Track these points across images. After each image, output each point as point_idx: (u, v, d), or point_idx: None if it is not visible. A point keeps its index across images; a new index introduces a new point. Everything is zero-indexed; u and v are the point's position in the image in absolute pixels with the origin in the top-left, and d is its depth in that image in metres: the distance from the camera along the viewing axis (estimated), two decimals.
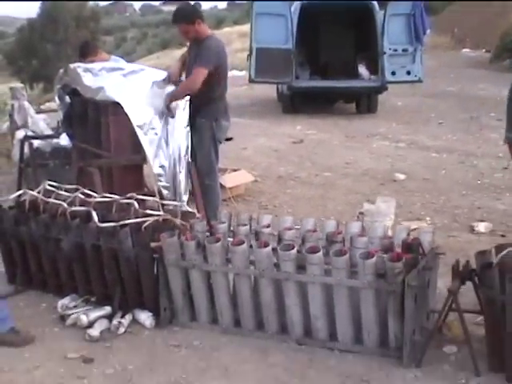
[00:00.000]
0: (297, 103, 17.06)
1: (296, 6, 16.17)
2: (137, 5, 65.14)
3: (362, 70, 16.97)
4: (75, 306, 5.57)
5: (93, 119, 7.28)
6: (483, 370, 4.57)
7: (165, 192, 6.95)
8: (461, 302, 4.67)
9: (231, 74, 28.39)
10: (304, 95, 17.02)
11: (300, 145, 13.06)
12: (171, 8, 63.30)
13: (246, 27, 45.67)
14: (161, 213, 5.56)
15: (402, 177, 10.12)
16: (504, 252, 4.44)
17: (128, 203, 5.79)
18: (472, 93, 20.44)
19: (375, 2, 16.32)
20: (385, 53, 15.81)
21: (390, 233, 5.69)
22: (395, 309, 4.63)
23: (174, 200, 6.70)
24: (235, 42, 40.34)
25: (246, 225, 5.53)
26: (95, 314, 5.39)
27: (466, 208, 8.47)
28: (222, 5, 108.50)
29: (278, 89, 18.39)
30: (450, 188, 9.48)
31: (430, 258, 4.91)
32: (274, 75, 15.98)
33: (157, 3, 68.00)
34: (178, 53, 15.12)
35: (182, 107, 7.11)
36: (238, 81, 20.74)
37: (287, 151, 12.42)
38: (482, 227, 7.44)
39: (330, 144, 13.10)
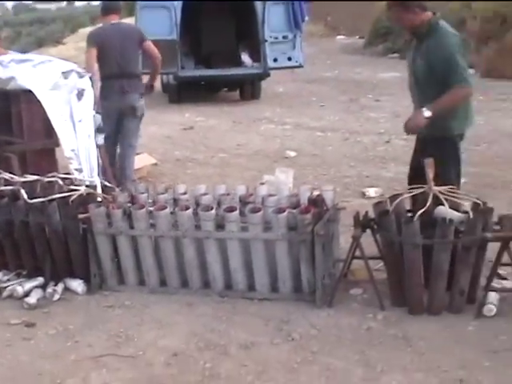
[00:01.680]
0: (183, 93, 17.52)
1: None
2: (9, 4, 63.93)
3: (245, 57, 17.55)
4: (8, 280, 5.96)
5: (3, 109, 7.61)
6: (387, 306, 5.27)
7: (77, 174, 7.34)
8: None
9: None
10: (190, 84, 17.50)
11: (191, 131, 13.57)
12: (45, 6, 62.46)
13: (128, 21, 45.76)
14: (84, 187, 6.01)
15: (292, 154, 10.78)
16: (398, 200, 5.13)
17: (51, 181, 6.19)
18: (349, 77, 21.42)
19: None
20: (266, 40, 16.45)
21: None
22: (306, 257, 5.26)
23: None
24: None
25: (164, 193, 6.05)
26: (29, 284, 5.81)
27: (356, 177, 9.21)
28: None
29: (162, 80, 18.74)
30: (339, 161, 10.21)
31: (333, 212, 5.56)
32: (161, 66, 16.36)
33: (29, 2, 66.83)
34: (54, 50, 15.36)
35: (88, 92, 7.53)
36: None
37: (180, 137, 12.92)
38: (372, 192, 8.16)
39: (220, 129, 13.66)
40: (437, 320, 5.10)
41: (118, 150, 8.62)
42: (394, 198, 5.26)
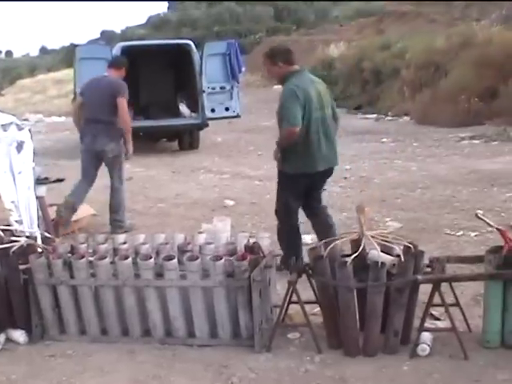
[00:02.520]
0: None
1: (116, 48, 16.83)
2: None
3: (183, 108, 17.79)
4: None
5: None
6: (324, 348, 5.41)
7: (17, 225, 7.39)
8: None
9: (51, 119, 28.69)
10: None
11: (130, 181, 13.61)
12: None
13: (60, 74, 45.82)
14: (25, 238, 6.08)
15: (231, 203, 10.94)
16: (331, 245, 5.31)
17: None
18: None
19: (191, 43, 17.20)
20: (204, 91, 16.71)
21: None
22: (244, 303, 5.39)
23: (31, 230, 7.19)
24: (50, 88, 40.36)
25: (103, 243, 6.14)
26: None
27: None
28: (34, 52, 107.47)
29: None
30: None
31: (269, 259, 5.71)
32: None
33: None
34: None
35: (28, 145, 7.61)
36: (59, 126, 21.10)
37: None
38: (308, 239, 8.30)
39: (159, 179, 13.77)
40: (372, 361, 5.26)
41: None
42: (328, 243, 5.43)
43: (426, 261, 5.51)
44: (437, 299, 5.33)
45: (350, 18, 57.17)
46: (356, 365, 5.21)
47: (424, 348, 5.27)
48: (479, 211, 6.24)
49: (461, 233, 8.51)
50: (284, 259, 6.82)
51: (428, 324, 5.55)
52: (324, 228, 7.23)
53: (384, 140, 18.01)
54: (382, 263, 5.16)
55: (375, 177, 12.64)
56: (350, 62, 30.09)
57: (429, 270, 5.44)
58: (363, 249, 5.37)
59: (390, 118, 23.41)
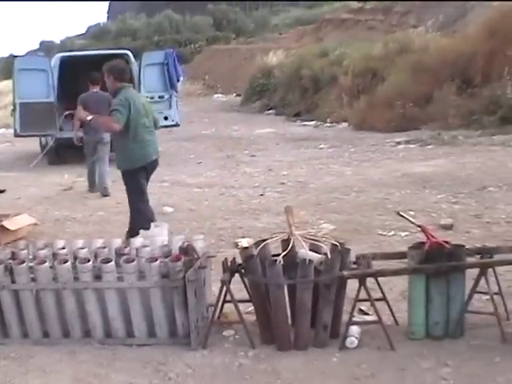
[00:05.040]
0: (62, 154, 17.66)
1: (56, 59, 16.95)
2: None
3: None
4: None
5: None
6: (258, 344, 5.66)
7: None
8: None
9: None
10: (68, 146, 17.66)
11: (70, 191, 13.79)
12: None
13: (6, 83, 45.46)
14: None
15: (170, 210, 11.14)
16: (262, 245, 5.57)
17: None
18: (227, 134, 22.08)
19: (129, 53, 17.36)
20: None
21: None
22: (180, 302, 5.61)
23: None
24: None
25: (43, 249, 6.32)
26: None
27: (230, 229, 9.63)
28: None
29: (40, 142, 18.87)
30: (214, 215, 10.63)
31: (204, 260, 5.95)
32: (39, 128, 16.65)
33: None
34: None
35: None
36: None
37: (59, 197, 13.12)
38: (244, 242, 8.54)
39: None
40: (303, 354, 5.52)
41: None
42: (258, 243, 5.69)
43: (352, 258, 5.79)
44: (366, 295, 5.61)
45: (289, 26, 57.74)
46: (288, 358, 5.45)
47: (352, 341, 5.54)
48: (405, 212, 6.52)
49: (392, 233, 8.84)
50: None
51: (357, 318, 5.84)
52: None
53: (322, 146, 18.37)
54: (310, 261, 5.43)
55: (312, 182, 12.96)
56: (289, 69, 30.49)
57: (355, 266, 5.71)
58: (293, 248, 5.64)
59: (328, 124, 23.80)
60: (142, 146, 8.55)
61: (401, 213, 5.99)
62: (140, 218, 8.66)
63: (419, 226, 5.77)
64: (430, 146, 16.63)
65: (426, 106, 20.45)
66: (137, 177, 8.75)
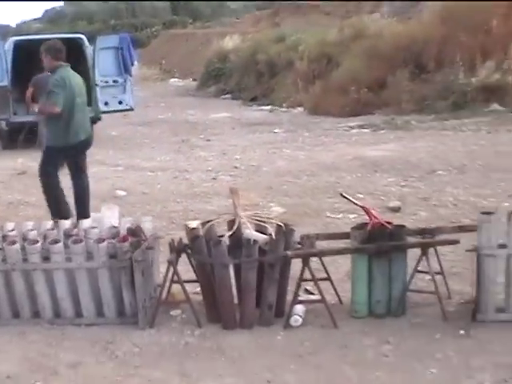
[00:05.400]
0: (16, 138, 17.55)
1: (9, 43, 16.81)
2: None
3: None
4: None
5: None
6: (204, 323, 5.79)
7: None
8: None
9: None
10: (23, 130, 17.57)
11: (24, 175, 13.72)
12: None
13: None
14: None
15: (122, 193, 11.19)
16: (207, 225, 5.69)
17: None
18: (182, 118, 22.11)
19: (84, 37, 17.30)
20: (97, 85, 16.82)
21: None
22: (127, 282, 5.71)
23: None
24: None
25: None
26: None
27: (181, 212, 9.73)
28: None
29: None
30: (167, 198, 10.71)
31: (151, 241, 6.05)
32: None
33: None
34: None
35: None
36: None
37: (13, 181, 13.05)
38: (194, 224, 8.63)
39: None
40: (249, 333, 5.66)
41: None
42: (204, 223, 5.80)
43: (297, 239, 5.92)
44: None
45: (246, 10, 57.62)
46: (233, 336, 5.59)
47: (296, 319, 5.68)
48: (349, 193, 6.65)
49: (341, 215, 8.99)
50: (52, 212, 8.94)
51: (302, 298, 5.99)
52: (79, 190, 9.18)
53: (276, 130, 18.47)
54: (255, 241, 5.55)
55: (264, 165, 13.08)
56: (245, 54, 30.51)
57: (299, 246, 5.85)
58: (239, 229, 5.75)
59: (284, 109, 23.89)
60: (72, 125, 8.59)
61: (343, 194, 6.13)
62: (48, 192, 9.09)
63: (362, 207, 5.93)
64: (382, 131, 16.85)
65: (379, 91, 20.67)
66: (59, 155, 8.89)
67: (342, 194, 6.17)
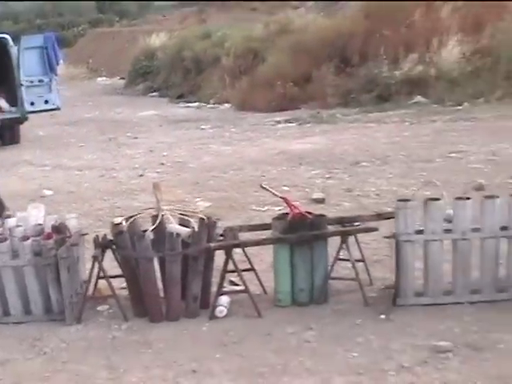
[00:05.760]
0: None
1: None
2: None
3: (2, 102, 17.63)
4: None
5: None
6: (131, 317, 5.89)
7: None
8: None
9: None
10: None
11: None
12: None
13: None
14: None
15: (49, 193, 11.17)
16: (131, 220, 5.77)
17: None
18: (110, 117, 22.09)
19: (8, 37, 17.15)
20: (22, 84, 16.71)
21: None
22: (53, 279, 5.77)
23: None
24: None
25: None
26: None
27: (108, 209, 9.79)
28: None
29: None
30: (93, 196, 10.76)
31: (76, 237, 6.11)
32: None
33: None
34: None
35: None
36: None
37: None
38: (119, 219, 8.72)
39: None
40: (175, 325, 5.77)
41: None
42: (128, 219, 5.88)
43: (220, 231, 6.04)
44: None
45: (173, 8, 57.37)
46: (159, 329, 5.69)
47: (221, 310, 5.80)
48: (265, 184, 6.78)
49: (266, 208, 9.13)
50: None
51: (227, 289, 6.11)
52: None
53: (204, 127, 18.58)
54: (178, 234, 5.66)
55: (191, 161, 13.21)
56: (171, 51, 30.53)
57: (222, 238, 5.97)
58: (162, 223, 5.85)
59: (211, 105, 24.02)
60: None
61: (263, 185, 6.27)
62: None
63: (282, 198, 6.07)
64: (308, 125, 17.08)
65: (305, 85, 20.90)
66: None
67: (261, 186, 6.32)
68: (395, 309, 5.76)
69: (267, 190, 6.22)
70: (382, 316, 5.64)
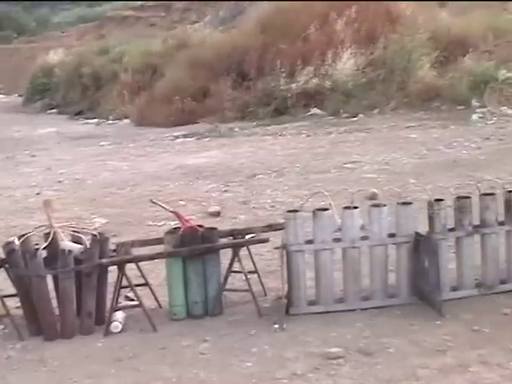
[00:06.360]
0: None
1: None
2: None
3: None
4: None
5: None
6: (26, 336, 5.85)
7: None
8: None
9: None
10: None
11: None
12: None
13: None
14: None
15: None
16: (23, 238, 5.76)
17: None
18: (8, 135, 21.80)
19: None
20: None
21: None
22: None
23: None
24: None
25: None
26: None
27: (3, 228, 9.65)
28: None
29: None
30: None
31: None
32: None
33: None
34: None
35: None
36: None
37: None
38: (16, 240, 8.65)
39: None
40: (70, 342, 5.75)
41: None
42: (20, 237, 5.87)
43: (113, 247, 6.08)
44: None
45: (72, 24, 57.04)
46: (55, 347, 5.67)
47: (116, 325, 5.83)
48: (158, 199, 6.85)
49: (162, 223, 9.17)
50: None
51: (122, 304, 6.14)
52: None
53: (102, 143, 18.54)
54: (70, 251, 5.67)
55: (89, 178, 13.16)
56: (69, 68, 30.32)
57: (115, 254, 6.00)
58: (55, 240, 5.85)
59: (110, 121, 23.97)
60: None
61: (153, 200, 6.34)
62: None
63: (173, 212, 6.14)
64: (207, 139, 17.22)
65: (203, 100, 21.09)
66: None
67: (152, 201, 6.37)
68: (289, 318, 5.85)
69: (158, 204, 6.28)
70: (276, 326, 5.73)
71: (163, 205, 6.25)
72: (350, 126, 16.91)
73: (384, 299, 6.02)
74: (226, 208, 9.83)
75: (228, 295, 6.29)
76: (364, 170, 11.96)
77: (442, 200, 6.09)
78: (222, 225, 7.78)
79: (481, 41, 20.83)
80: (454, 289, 6.11)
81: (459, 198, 6.22)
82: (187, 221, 6.03)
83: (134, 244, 6.27)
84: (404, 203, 6.16)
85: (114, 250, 6.03)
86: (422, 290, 5.94)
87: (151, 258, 6.17)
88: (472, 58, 19.76)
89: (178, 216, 6.04)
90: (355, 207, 6.00)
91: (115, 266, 5.91)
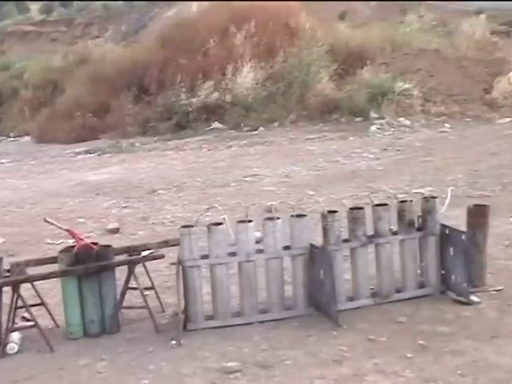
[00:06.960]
0: None
1: None
2: None
3: None
4: None
5: None
6: None
7: None
8: None
9: None
10: None
11: None
12: None
13: None
14: None
15: None
16: None
17: None
18: None
19: None
20: None
21: None
22: None
23: None
24: None
25: None
26: None
27: None
28: None
29: None
30: None
31: None
32: None
33: None
34: None
35: None
36: None
37: None
38: None
39: None
40: None
41: None
42: None
43: (7, 266, 6.01)
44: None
45: None
46: None
47: (12, 347, 5.76)
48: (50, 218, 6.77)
49: (60, 241, 9.05)
50: None
51: (18, 325, 6.07)
52: None
53: (2, 161, 18.28)
54: None
55: None
56: None
57: (9, 274, 5.94)
58: None
59: (12, 138, 23.65)
60: None
61: (47, 219, 6.30)
62: None
63: (67, 230, 6.12)
64: (108, 155, 17.14)
65: (104, 115, 21.00)
66: None
67: (45, 220, 6.33)
68: (186, 334, 5.87)
69: (52, 223, 6.25)
70: (173, 342, 5.73)
71: (57, 223, 6.22)
72: (250, 140, 17.07)
73: (281, 311, 6.09)
74: (125, 224, 9.81)
75: (125, 312, 6.27)
76: (264, 182, 12.08)
77: (335, 212, 6.20)
78: (121, 241, 7.78)
79: (378, 53, 21.33)
80: (350, 299, 6.24)
81: (352, 208, 6.35)
82: (82, 239, 6.01)
83: (29, 263, 6.20)
84: (298, 215, 6.24)
85: (8, 271, 5.96)
86: (319, 301, 6.04)
87: (45, 277, 6.11)
88: (370, 70, 20.20)
89: (73, 234, 6.02)
90: (250, 221, 6.06)
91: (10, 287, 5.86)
